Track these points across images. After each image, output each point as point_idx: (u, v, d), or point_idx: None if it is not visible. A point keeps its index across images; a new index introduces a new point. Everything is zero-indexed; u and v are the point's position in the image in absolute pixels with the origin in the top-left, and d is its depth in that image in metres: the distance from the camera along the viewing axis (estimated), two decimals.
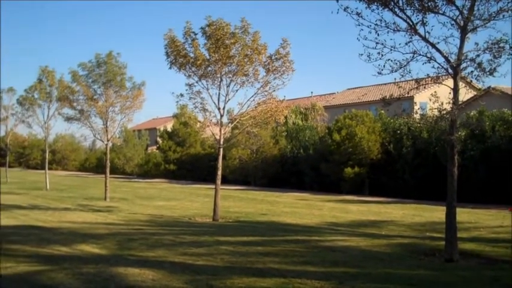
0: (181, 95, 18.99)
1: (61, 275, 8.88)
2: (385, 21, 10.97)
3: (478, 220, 18.64)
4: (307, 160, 38.79)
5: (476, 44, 10.55)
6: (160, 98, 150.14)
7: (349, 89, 63.12)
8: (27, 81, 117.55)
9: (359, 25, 11.16)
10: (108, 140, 28.19)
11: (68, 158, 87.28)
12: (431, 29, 10.82)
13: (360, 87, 59.53)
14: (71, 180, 53.52)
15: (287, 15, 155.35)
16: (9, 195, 29.64)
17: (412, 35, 10.93)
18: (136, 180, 56.33)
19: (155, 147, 66.06)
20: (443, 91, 11.08)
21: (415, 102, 37.01)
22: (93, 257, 10.65)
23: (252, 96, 18.74)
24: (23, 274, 9.06)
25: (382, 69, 11.14)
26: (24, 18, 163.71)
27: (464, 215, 18.79)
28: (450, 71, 10.83)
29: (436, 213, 20.63)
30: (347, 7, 11.17)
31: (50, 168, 39.56)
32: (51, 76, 34.95)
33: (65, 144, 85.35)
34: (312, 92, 67.37)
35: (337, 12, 11.15)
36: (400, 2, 10.76)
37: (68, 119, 28.97)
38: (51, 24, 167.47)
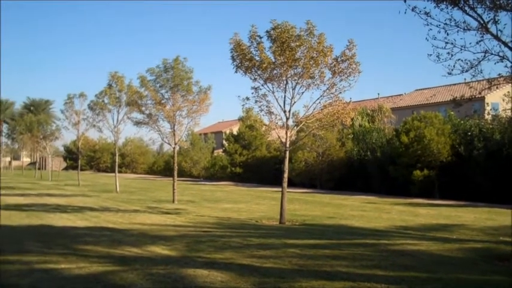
0: (247, 99, 19.06)
1: (132, 276, 9.07)
2: (455, 20, 10.75)
3: None
4: (374, 163, 38.32)
5: None
6: (225, 101, 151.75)
7: (417, 90, 62.01)
8: (98, 86, 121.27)
9: (427, 25, 10.97)
10: (175, 144, 28.60)
11: (137, 161, 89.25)
12: (504, 27, 10.52)
13: (428, 88, 58.40)
14: (139, 183, 54.70)
15: (353, 15, 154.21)
16: (82, 198, 30.66)
17: (484, 33, 10.65)
18: (203, 183, 57.04)
19: (221, 150, 66.74)
20: None
21: (487, 103, 35.93)
22: (162, 258, 10.83)
23: (318, 99, 18.62)
24: (97, 274, 9.31)
25: (452, 70, 10.93)
26: (95, 26, 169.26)
27: None
28: None
29: (510, 217, 19.95)
30: (415, 7, 11.00)
31: (119, 171, 40.56)
32: (120, 81, 35.71)
33: (134, 148, 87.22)
34: (378, 94, 66.66)
35: (405, 12, 11.00)
36: (471, 0, 10.50)
37: (137, 123, 29.51)
38: (120, 32, 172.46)
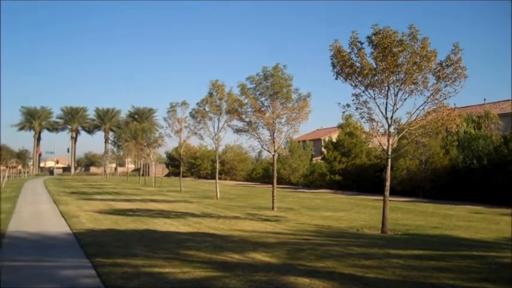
0: (348, 106, 18.83)
1: (234, 281, 9.11)
2: None
3: None
4: (480, 171, 36.83)
5: None
6: (324, 108, 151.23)
7: None
8: (199, 95, 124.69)
9: None
10: (275, 151, 28.68)
11: (236, 168, 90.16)
12: None
13: None
14: (239, 189, 55.38)
15: (457, 17, 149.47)
16: (184, 204, 31.38)
17: None
18: (301, 190, 56.92)
19: (320, 157, 66.40)
20: None
21: None
22: (263, 265, 10.82)
23: (422, 105, 18.05)
24: (200, 279, 9.42)
25: None
26: (197, 37, 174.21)
27: None
28: None
29: None
30: None
31: (219, 178, 41.19)
32: (221, 90, 36.23)
33: (234, 155, 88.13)
34: (484, 99, 63.78)
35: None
36: None
37: (237, 130, 29.89)
38: (219, 43, 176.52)
